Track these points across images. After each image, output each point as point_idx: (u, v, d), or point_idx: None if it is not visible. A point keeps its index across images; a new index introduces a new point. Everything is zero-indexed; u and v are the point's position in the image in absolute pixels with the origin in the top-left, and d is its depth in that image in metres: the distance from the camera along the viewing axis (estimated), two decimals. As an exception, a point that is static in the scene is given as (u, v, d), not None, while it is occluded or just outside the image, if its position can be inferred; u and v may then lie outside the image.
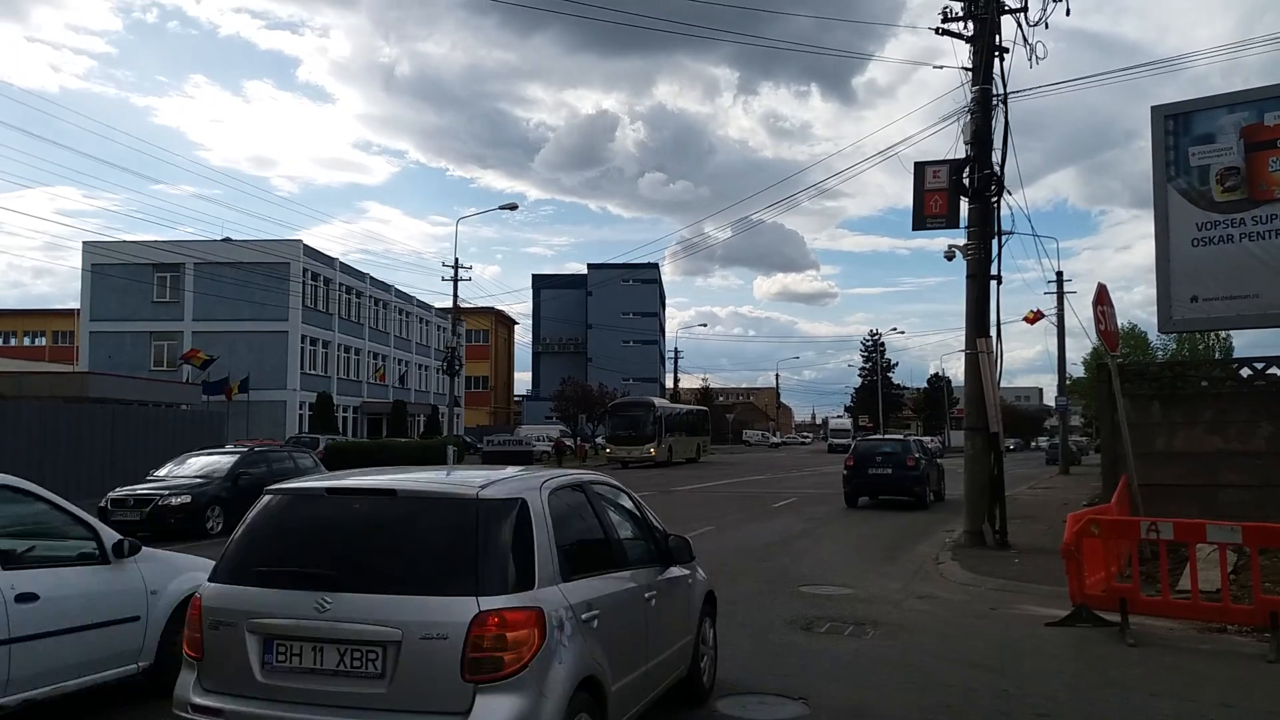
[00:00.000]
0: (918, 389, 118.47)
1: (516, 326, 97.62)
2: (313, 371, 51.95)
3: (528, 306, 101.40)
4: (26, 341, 75.47)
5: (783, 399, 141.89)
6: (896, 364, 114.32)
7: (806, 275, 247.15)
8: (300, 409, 49.44)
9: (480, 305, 66.09)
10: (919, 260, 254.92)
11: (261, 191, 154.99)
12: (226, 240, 49.32)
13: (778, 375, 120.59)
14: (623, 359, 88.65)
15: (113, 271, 48.20)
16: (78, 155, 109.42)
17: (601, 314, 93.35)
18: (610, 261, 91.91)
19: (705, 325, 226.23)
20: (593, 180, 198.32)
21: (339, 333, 55.67)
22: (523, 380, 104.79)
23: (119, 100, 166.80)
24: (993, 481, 14.69)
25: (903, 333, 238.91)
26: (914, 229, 15.19)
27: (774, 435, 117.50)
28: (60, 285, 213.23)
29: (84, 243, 49.54)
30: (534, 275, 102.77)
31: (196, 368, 42.61)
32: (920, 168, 15.07)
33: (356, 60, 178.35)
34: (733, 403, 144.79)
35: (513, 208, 50.80)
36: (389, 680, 3.99)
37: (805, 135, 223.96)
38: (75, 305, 54.24)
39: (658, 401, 49.91)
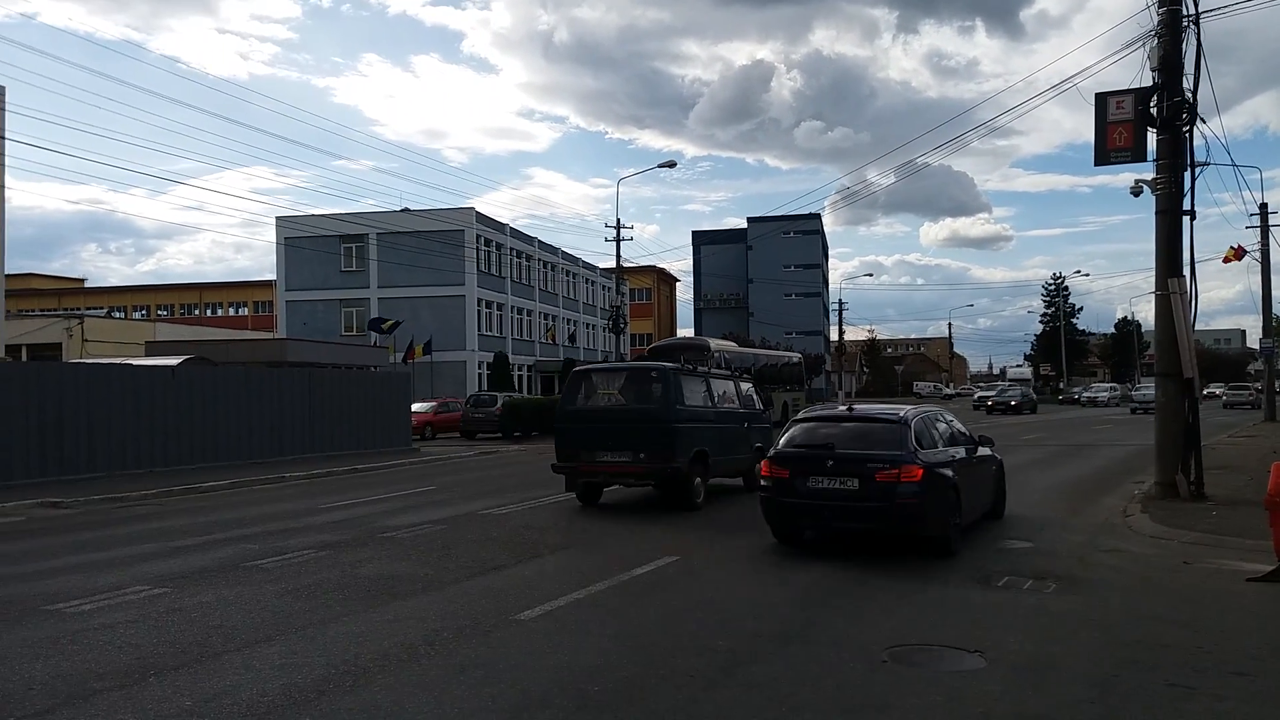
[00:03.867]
0: (1104, 335, 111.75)
1: (678, 284, 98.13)
2: (489, 333, 54.05)
3: (688, 264, 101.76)
4: (231, 312, 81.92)
5: (956, 349, 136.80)
6: (1081, 309, 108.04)
7: (977, 219, 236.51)
8: (479, 369, 51.63)
9: (642, 264, 66.80)
10: (1102, 198, 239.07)
11: (434, 162, 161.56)
12: (405, 210, 51.71)
13: (950, 324, 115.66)
14: (785, 313, 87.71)
15: (304, 244, 51.54)
16: (268, 136, 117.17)
17: (762, 268, 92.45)
18: (770, 214, 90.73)
19: (870, 275, 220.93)
20: (748, 133, 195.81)
21: (511, 295, 57.57)
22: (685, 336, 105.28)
23: (301, 83, 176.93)
24: (1187, 430, 13.81)
25: (1087, 275, 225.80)
26: (1096, 164, 14.29)
27: (947, 387, 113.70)
28: (257, 259, 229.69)
29: (277, 218, 53.18)
30: (694, 232, 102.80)
31: (385, 332, 45.10)
32: (1102, 99, 14.12)
33: (517, 30, 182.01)
34: (901, 354, 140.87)
35: (671, 165, 50.27)
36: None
37: (971, 73, 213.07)
38: (272, 277, 58.32)
39: (715, 343, 38.02)
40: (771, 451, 10.62)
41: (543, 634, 6.84)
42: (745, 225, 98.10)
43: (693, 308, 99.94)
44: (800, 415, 11.31)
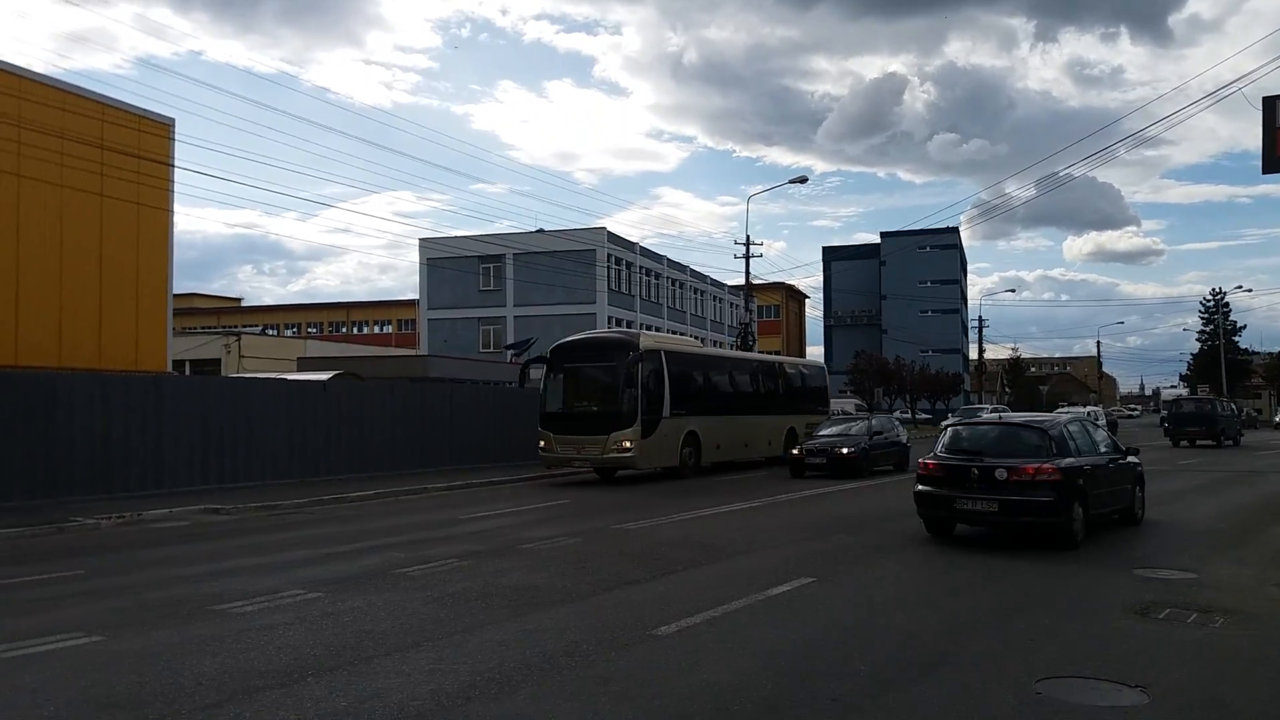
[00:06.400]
0: (1270, 354, 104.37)
1: (807, 300, 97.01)
2: (618, 350, 54.66)
3: (817, 280, 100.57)
4: (376, 330, 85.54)
5: (1105, 368, 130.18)
6: (1244, 326, 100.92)
7: (1125, 232, 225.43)
8: (607, 386, 52.25)
9: (771, 281, 66.35)
10: (1265, 209, 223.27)
11: (566, 184, 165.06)
12: (540, 231, 53.01)
13: (1098, 343, 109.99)
14: (920, 329, 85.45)
15: (444, 264, 53.44)
16: (410, 161, 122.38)
17: (896, 283, 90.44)
18: (905, 229, 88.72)
19: (1013, 291, 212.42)
20: (879, 147, 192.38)
21: (640, 313, 58.13)
22: (814, 354, 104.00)
23: (441, 110, 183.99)
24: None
25: (1249, 291, 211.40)
26: (1264, 172, 13.52)
27: (1095, 408, 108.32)
28: (401, 279, 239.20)
29: (420, 240, 55.33)
30: (824, 247, 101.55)
31: (524, 350, 46.24)
32: (1271, 103, 13.30)
33: (647, 53, 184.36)
34: (1046, 374, 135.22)
35: (803, 181, 49.70)
36: None
37: (1116, 81, 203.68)
38: (414, 296, 60.62)
39: (648, 340, 23.67)
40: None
41: (680, 650, 6.83)
42: (878, 240, 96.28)
43: (823, 325, 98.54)
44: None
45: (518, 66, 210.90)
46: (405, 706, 5.59)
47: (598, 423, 21.63)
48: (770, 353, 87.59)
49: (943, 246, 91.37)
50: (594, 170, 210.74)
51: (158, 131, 26.98)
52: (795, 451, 23.83)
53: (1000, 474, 11.13)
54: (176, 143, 27.87)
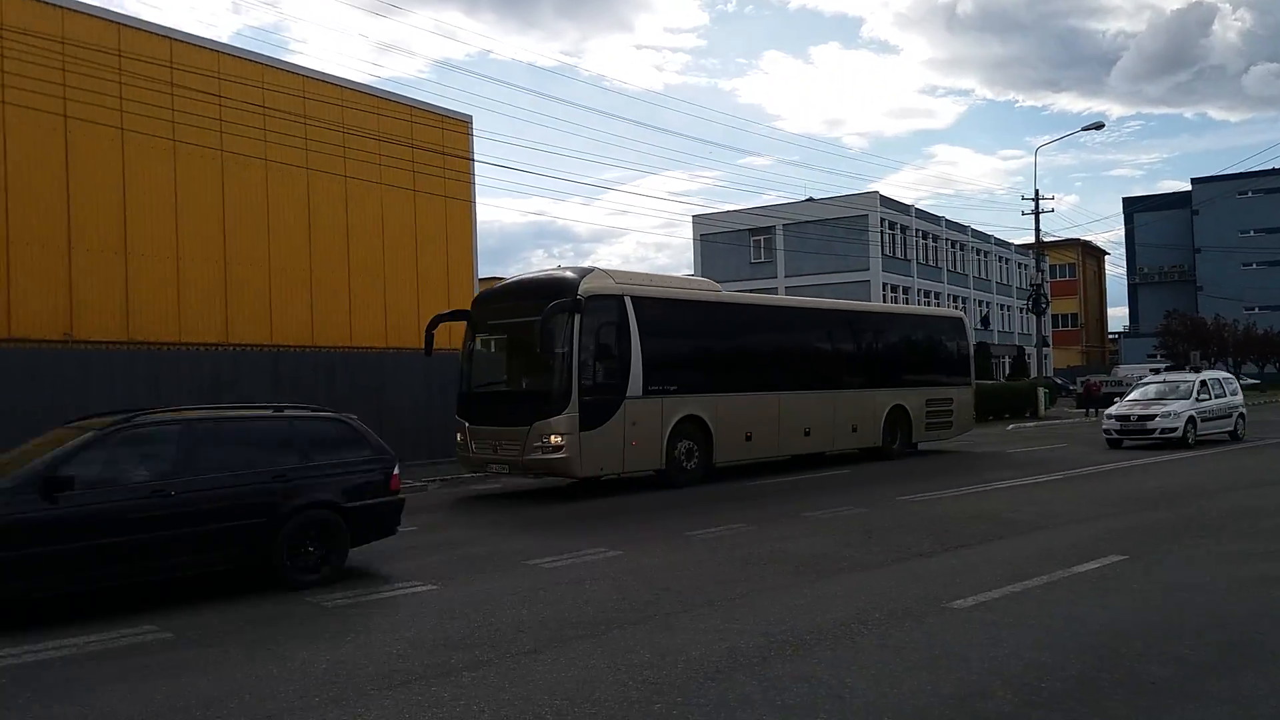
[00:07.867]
0: None
1: (1107, 257, 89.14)
2: (894, 317, 53.10)
3: (1117, 234, 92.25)
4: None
5: None
6: None
7: None
8: (886, 354, 50.97)
9: (1063, 238, 61.61)
10: None
11: (835, 150, 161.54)
12: (809, 200, 52.44)
13: None
14: (1244, 285, 76.22)
15: (716, 239, 54.33)
16: (681, 140, 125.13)
17: (1213, 234, 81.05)
18: (1221, 173, 79.11)
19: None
20: (1184, 84, 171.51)
21: (918, 278, 56.05)
22: (1117, 316, 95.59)
23: (709, 87, 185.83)
24: None
25: None
26: None
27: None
28: (675, 256, 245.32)
29: (693, 217, 56.54)
30: (1125, 199, 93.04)
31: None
32: None
33: (919, 7, 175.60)
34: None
35: (1098, 127, 45.59)
36: None
37: None
38: (690, 272, 62.08)
39: (599, 281, 15.00)
40: None
41: (978, 624, 6.66)
42: (1188, 188, 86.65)
43: (1125, 283, 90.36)
44: None
45: (784, 35, 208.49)
46: (704, 662, 5.87)
47: (517, 408, 14.83)
48: (1068, 315, 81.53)
49: (1267, 191, 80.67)
50: (863, 134, 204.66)
51: (458, 128, 29.28)
52: None
53: None
54: (475, 138, 30.14)
